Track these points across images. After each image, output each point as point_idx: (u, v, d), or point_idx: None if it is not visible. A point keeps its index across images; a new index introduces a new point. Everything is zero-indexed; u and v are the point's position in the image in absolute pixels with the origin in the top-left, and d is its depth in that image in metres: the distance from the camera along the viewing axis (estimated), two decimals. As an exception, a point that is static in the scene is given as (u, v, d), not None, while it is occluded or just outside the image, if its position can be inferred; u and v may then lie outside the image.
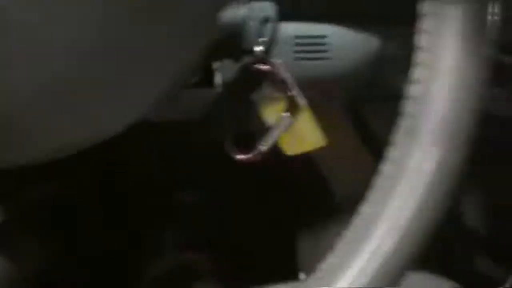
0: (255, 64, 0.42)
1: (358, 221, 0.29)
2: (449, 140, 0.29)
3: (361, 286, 0.28)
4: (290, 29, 0.50)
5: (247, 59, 0.42)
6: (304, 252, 0.79)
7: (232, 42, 0.41)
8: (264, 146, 0.44)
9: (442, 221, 0.30)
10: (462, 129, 0.29)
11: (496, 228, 0.75)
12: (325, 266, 0.30)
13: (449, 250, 0.76)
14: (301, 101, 0.43)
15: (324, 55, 0.51)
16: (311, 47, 0.51)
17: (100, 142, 0.37)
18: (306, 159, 0.47)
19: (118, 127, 0.36)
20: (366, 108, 0.75)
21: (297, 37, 0.51)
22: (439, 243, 0.77)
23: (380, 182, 0.29)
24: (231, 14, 0.40)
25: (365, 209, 0.30)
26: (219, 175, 0.80)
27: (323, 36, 0.51)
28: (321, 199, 0.79)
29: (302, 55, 0.51)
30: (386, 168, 0.29)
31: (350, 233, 0.30)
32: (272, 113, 0.44)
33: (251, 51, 0.41)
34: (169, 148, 0.80)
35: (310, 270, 0.38)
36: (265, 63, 0.42)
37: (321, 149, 0.47)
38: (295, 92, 0.42)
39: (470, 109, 0.29)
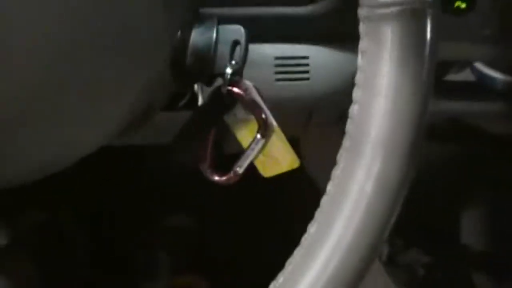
0: (227, 87, 0.42)
1: (305, 241, 0.29)
2: (389, 159, 0.28)
3: None
4: (270, 50, 0.51)
5: (218, 82, 0.42)
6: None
7: (203, 65, 0.41)
8: (239, 169, 0.44)
9: (386, 237, 0.29)
10: (401, 147, 0.28)
11: (494, 245, 0.73)
12: (274, 285, 0.30)
13: (448, 268, 0.75)
14: (273, 122, 0.43)
15: (305, 76, 0.51)
16: (292, 68, 0.51)
17: (87, 168, 0.37)
18: (300, 169, 0.46)
19: (85, 149, 0.36)
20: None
21: (277, 58, 0.51)
22: (439, 260, 0.76)
23: (325, 202, 0.29)
24: (200, 37, 0.41)
25: (312, 228, 0.29)
26: (212, 196, 0.80)
27: (304, 57, 0.51)
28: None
29: (282, 76, 0.51)
30: (331, 188, 0.29)
31: (298, 253, 0.30)
32: (246, 135, 0.44)
33: (223, 74, 0.41)
34: (159, 171, 0.81)
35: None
36: (236, 86, 0.42)
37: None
38: (266, 113, 0.43)
39: (409, 128, 0.28)
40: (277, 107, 0.47)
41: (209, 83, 0.42)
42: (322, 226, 0.29)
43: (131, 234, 0.81)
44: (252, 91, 0.42)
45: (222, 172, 0.45)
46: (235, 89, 0.42)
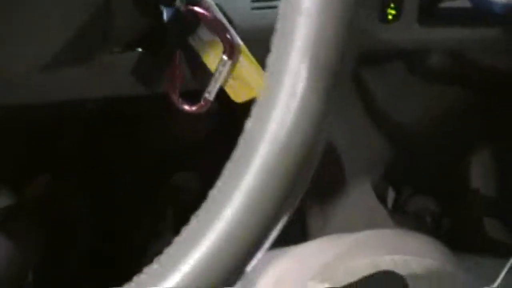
0: (187, 6, 0.40)
1: (242, 138, 0.27)
2: (323, 27, 0.26)
3: (256, 199, 0.26)
4: None
5: (178, 2, 0.40)
6: (312, 231, 0.76)
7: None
8: (209, 95, 0.42)
9: (326, 130, 0.27)
10: (337, 11, 0.26)
11: (502, 192, 0.70)
12: (213, 192, 0.28)
13: (456, 215, 0.71)
14: (239, 42, 0.40)
15: None
16: None
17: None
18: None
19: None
20: (366, 72, 0.72)
21: None
22: (446, 208, 0.72)
23: (261, 95, 0.27)
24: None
25: (248, 124, 0.27)
26: (216, 155, 0.77)
27: None
28: (331, 176, 0.76)
29: (259, 4, 0.48)
30: (266, 77, 0.27)
31: (236, 152, 0.27)
32: (213, 58, 0.42)
33: (181, -8, 0.39)
34: (166, 130, 0.80)
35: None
36: (197, 5, 0.40)
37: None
38: (231, 33, 0.40)
39: (341, 13, 0.26)
40: (255, 38, 0.44)
41: (169, 3, 0.40)
42: (257, 120, 0.27)
43: (136, 198, 0.80)
44: (214, 9, 0.40)
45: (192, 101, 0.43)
46: (196, 8, 0.40)
